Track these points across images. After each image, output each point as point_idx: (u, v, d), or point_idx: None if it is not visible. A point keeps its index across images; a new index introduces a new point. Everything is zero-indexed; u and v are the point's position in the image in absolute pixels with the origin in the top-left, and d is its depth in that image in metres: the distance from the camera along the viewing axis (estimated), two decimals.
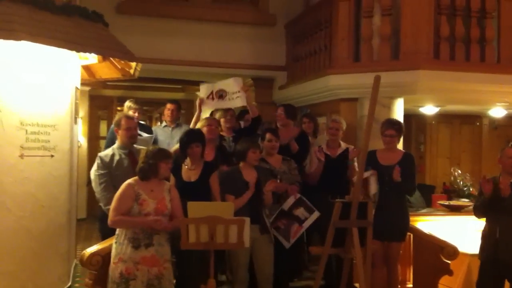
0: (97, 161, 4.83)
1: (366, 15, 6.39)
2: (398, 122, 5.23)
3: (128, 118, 5.03)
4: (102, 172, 4.75)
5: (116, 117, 5.18)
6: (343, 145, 5.63)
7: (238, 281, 4.69)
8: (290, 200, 5.00)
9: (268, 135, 5.20)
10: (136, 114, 5.95)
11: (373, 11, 6.36)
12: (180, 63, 8.09)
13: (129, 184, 4.02)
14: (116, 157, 4.81)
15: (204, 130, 5.09)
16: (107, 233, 4.40)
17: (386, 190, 4.83)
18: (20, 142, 4.71)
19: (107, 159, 4.79)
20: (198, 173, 4.66)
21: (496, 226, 4.53)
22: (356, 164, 5.49)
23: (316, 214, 5.00)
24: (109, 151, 4.89)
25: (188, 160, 4.67)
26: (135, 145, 4.91)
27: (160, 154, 4.08)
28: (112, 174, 4.71)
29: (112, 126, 5.61)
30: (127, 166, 4.68)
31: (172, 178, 4.59)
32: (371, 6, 6.36)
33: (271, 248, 4.75)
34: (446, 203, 6.27)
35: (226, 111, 5.81)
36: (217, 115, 5.82)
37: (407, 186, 4.92)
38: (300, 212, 4.99)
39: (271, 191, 4.68)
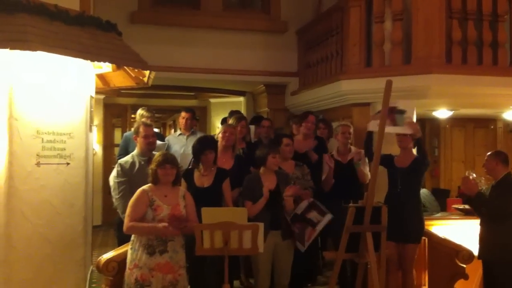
0: (117, 168, 4.88)
1: (377, 20, 6.40)
2: None
3: (146, 125, 5.09)
4: (122, 179, 4.80)
5: (135, 125, 5.25)
6: (354, 149, 5.63)
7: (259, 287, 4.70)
8: (303, 204, 4.99)
9: (285, 140, 5.25)
10: (149, 122, 6.00)
11: (384, 16, 6.37)
12: (193, 71, 8.18)
13: (143, 190, 4.07)
14: (137, 165, 4.86)
15: (220, 137, 5.13)
16: (123, 239, 4.43)
17: (397, 191, 4.95)
18: (37, 150, 4.78)
19: (127, 166, 4.84)
20: (211, 179, 4.71)
21: None
22: (366, 167, 5.50)
23: (328, 217, 4.99)
24: (129, 158, 4.94)
25: (201, 166, 4.71)
26: (154, 152, 4.96)
27: (158, 160, 4.11)
28: (132, 181, 4.72)
29: (126, 133, 5.66)
30: (148, 173, 4.69)
31: (183, 184, 4.63)
32: (382, 11, 6.37)
33: (292, 253, 4.77)
34: (461, 207, 6.22)
35: (238, 121, 5.82)
36: (229, 122, 5.83)
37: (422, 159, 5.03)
38: (313, 215, 4.98)
39: (291, 196, 4.68)
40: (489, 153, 4.96)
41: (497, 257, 4.61)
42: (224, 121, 7.07)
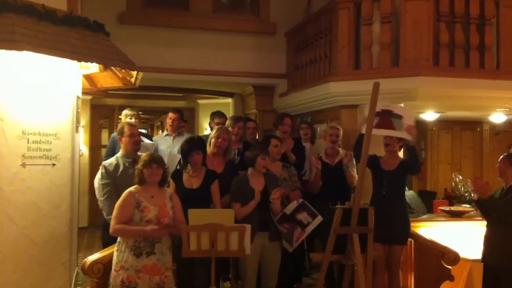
0: (101, 170, 4.85)
1: (366, 22, 6.43)
2: None
3: (131, 125, 5.08)
4: (106, 181, 4.77)
5: (119, 126, 5.21)
6: (342, 152, 5.65)
7: None
8: (293, 205, 4.95)
9: (274, 141, 5.25)
10: (133, 120, 5.98)
11: (372, 18, 6.40)
12: (181, 72, 8.16)
13: (130, 192, 4.05)
14: (121, 167, 4.83)
15: (212, 142, 5.10)
16: (109, 241, 4.40)
17: (383, 194, 4.96)
18: (22, 151, 4.74)
19: (111, 168, 4.81)
20: (200, 180, 4.69)
21: None
22: (354, 169, 5.52)
23: (319, 219, 4.93)
24: (113, 160, 4.90)
25: (189, 168, 4.69)
26: (139, 153, 4.92)
27: (144, 160, 4.10)
28: (117, 184, 4.71)
29: (113, 134, 5.65)
30: (132, 175, 4.64)
31: (172, 185, 4.62)
32: (371, 13, 6.39)
33: (279, 255, 4.77)
34: (447, 209, 6.27)
35: (236, 122, 5.79)
36: (226, 123, 5.81)
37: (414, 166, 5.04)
38: (303, 216, 4.94)
39: (278, 198, 4.68)
40: (502, 155, 4.76)
41: (504, 265, 4.43)
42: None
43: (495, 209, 4.48)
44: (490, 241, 4.58)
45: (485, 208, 4.55)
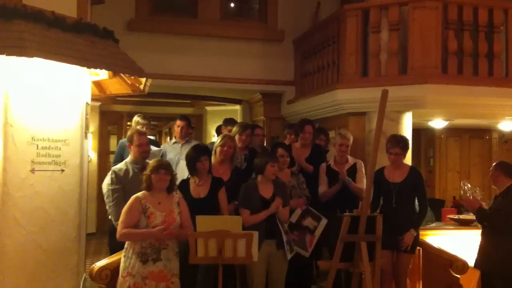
0: (111, 175, 4.87)
1: (374, 30, 6.43)
2: (403, 140, 5.09)
3: (140, 134, 5.08)
4: (116, 187, 4.79)
5: (129, 133, 5.23)
6: (351, 160, 5.60)
7: None
8: (297, 213, 5.00)
9: (280, 150, 5.15)
10: (144, 129, 6.00)
11: (380, 26, 6.40)
12: (189, 79, 8.20)
13: (137, 198, 4.06)
14: (130, 172, 4.85)
15: (218, 150, 5.10)
16: (116, 247, 4.42)
17: (393, 207, 4.88)
18: (31, 157, 4.77)
19: (121, 173, 4.83)
20: (207, 189, 4.69)
21: None
22: (363, 179, 5.48)
23: (324, 221, 5.00)
24: (122, 166, 4.93)
25: (196, 176, 4.69)
26: (147, 160, 4.94)
27: (152, 165, 4.10)
28: (126, 189, 4.72)
29: (121, 141, 5.68)
30: (141, 181, 4.66)
31: (180, 196, 4.61)
32: (379, 21, 6.40)
33: (286, 263, 4.73)
34: (456, 217, 6.23)
35: (243, 130, 5.79)
36: (233, 130, 5.80)
37: (421, 206, 4.96)
38: (308, 222, 4.98)
39: (278, 207, 4.65)
40: (493, 164, 4.92)
41: (497, 271, 4.59)
42: (218, 129, 7.05)
43: (485, 219, 4.73)
44: (484, 249, 4.72)
45: (479, 219, 4.83)
